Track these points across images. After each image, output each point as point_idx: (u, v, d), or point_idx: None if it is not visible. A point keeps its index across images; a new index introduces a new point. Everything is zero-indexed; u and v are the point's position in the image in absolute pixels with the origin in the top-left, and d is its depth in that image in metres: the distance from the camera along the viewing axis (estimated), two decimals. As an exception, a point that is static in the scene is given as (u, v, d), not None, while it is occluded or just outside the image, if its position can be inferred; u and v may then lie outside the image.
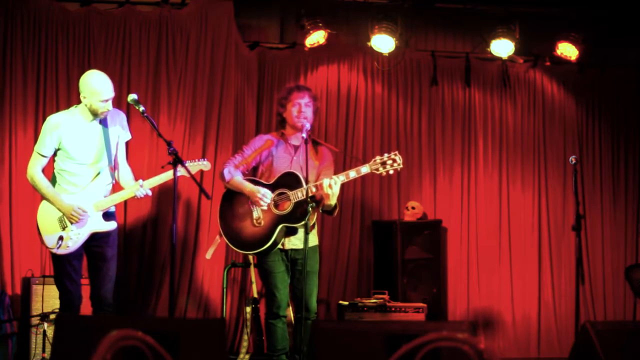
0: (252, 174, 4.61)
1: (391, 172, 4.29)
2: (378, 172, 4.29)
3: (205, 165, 4.60)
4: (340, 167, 6.33)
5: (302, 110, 4.47)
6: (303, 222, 4.24)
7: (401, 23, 6.38)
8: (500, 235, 6.86)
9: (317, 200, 4.43)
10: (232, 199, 4.52)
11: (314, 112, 4.55)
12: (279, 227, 4.36)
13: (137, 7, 6.01)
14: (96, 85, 4.28)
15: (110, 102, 4.32)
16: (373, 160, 4.31)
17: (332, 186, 4.21)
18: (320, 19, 6.33)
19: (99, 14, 5.92)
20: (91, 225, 4.33)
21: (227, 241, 4.53)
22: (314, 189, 4.28)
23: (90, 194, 4.34)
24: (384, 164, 4.28)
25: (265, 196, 4.36)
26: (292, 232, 4.42)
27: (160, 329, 3.07)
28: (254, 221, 4.42)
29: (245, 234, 4.45)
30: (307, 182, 4.27)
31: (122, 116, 4.56)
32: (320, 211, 4.49)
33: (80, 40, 5.84)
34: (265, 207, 4.37)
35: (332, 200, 4.29)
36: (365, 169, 4.29)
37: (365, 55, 6.72)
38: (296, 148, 4.55)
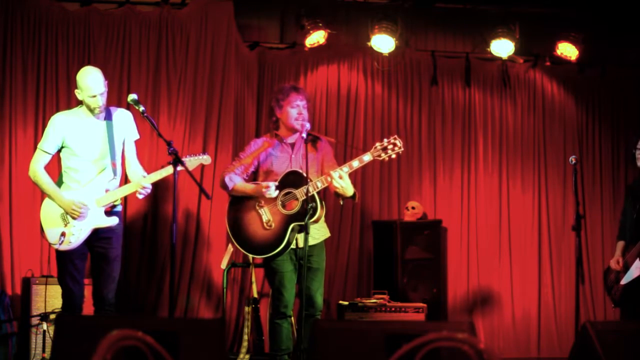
0: (253, 179, 4.60)
1: (393, 156, 4.26)
2: (380, 158, 4.27)
3: (205, 159, 4.59)
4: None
5: (301, 113, 4.45)
6: (314, 218, 4.24)
7: (401, 23, 6.39)
8: (500, 235, 6.86)
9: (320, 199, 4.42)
10: (239, 205, 4.49)
11: (308, 112, 4.54)
12: (291, 226, 4.33)
13: (137, 7, 6.01)
14: (86, 81, 4.31)
15: (99, 98, 4.31)
16: (374, 147, 4.28)
17: (342, 177, 4.20)
18: (320, 19, 6.33)
19: (99, 14, 5.92)
20: (93, 220, 4.33)
21: (239, 248, 4.50)
22: (319, 184, 4.26)
23: (92, 190, 4.34)
24: (384, 149, 4.26)
25: (269, 187, 4.30)
26: (300, 231, 4.38)
27: (160, 329, 3.07)
28: (264, 224, 4.39)
29: (257, 239, 4.41)
30: (308, 180, 4.25)
31: (129, 115, 4.57)
32: (341, 203, 4.49)
33: (80, 40, 5.84)
34: (272, 194, 4.30)
35: (349, 192, 4.30)
36: (367, 157, 4.27)
37: (365, 55, 6.73)
38: (293, 146, 4.53)
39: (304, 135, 4.30)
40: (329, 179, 4.24)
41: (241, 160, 4.55)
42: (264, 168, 4.52)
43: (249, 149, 4.60)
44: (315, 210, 4.24)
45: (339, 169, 4.26)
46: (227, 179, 4.49)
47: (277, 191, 4.35)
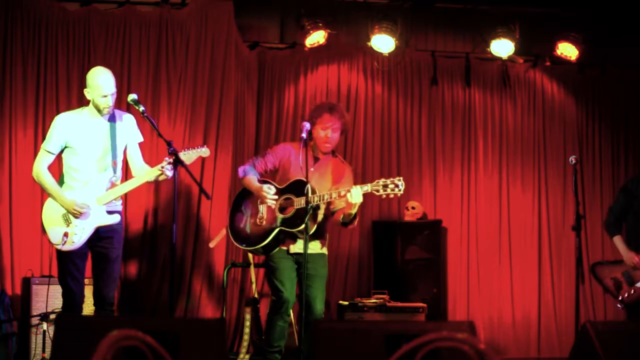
0: (272, 178, 4.65)
1: (391, 196, 4.26)
2: (378, 194, 4.25)
3: (204, 151, 4.58)
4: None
5: (328, 136, 4.50)
6: (301, 228, 4.25)
7: (401, 23, 6.39)
8: (500, 235, 6.86)
9: (316, 210, 4.40)
10: (245, 195, 4.63)
11: (340, 133, 4.57)
12: (277, 229, 4.40)
13: (137, 7, 6.01)
14: (97, 80, 4.33)
15: (110, 98, 4.35)
16: (376, 181, 4.28)
17: (357, 194, 4.20)
18: (320, 19, 6.33)
19: (99, 14, 5.92)
20: (95, 219, 4.33)
21: (229, 232, 4.63)
22: (316, 199, 4.27)
23: (93, 189, 4.35)
24: (385, 186, 4.24)
25: (269, 191, 4.39)
26: (292, 237, 4.43)
27: (160, 329, 3.07)
28: (257, 220, 4.49)
29: (246, 230, 4.55)
30: (307, 181, 4.26)
31: (133, 119, 4.60)
32: (340, 223, 4.48)
33: (80, 40, 5.84)
34: (271, 203, 4.40)
35: (354, 209, 4.29)
36: (366, 188, 4.26)
37: (365, 55, 6.73)
38: (316, 160, 4.56)
39: (304, 135, 4.33)
40: (342, 192, 4.23)
41: (264, 157, 4.66)
42: (283, 171, 4.58)
43: (275, 148, 4.72)
44: (303, 222, 4.24)
45: (358, 186, 4.25)
46: (240, 170, 4.65)
47: (275, 197, 4.42)
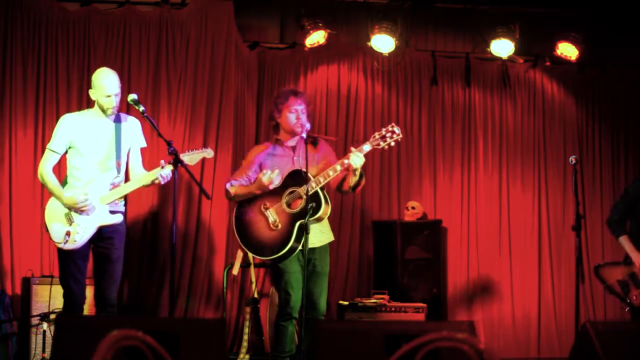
0: None
1: (392, 144, 4.22)
2: (380, 147, 4.23)
3: (208, 152, 4.56)
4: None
5: (299, 117, 4.43)
6: (319, 214, 4.22)
7: (401, 23, 6.39)
8: (500, 235, 6.86)
9: (323, 190, 4.37)
10: (244, 210, 4.45)
11: (308, 116, 4.51)
12: (296, 225, 4.28)
13: (137, 7, 6.01)
14: (101, 81, 4.36)
15: (114, 98, 4.37)
16: (372, 137, 4.25)
17: (358, 157, 4.16)
18: (320, 19, 6.34)
19: (99, 14, 5.92)
20: (98, 218, 4.34)
21: (248, 252, 4.49)
22: (321, 180, 4.23)
23: (97, 188, 4.35)
24: (383, 137, 4.22)
25: (266, 174, 4.27)
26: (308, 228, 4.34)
27: (160, 329, 3.07)
28: (271, 225, 4.34)
29: (265, 240, 4.36)
30: (308, 180, 4.24)
31: (138, 124, 4.61)
32: (350, 189, 4.39)
33: (80, 40, 5.85)
34: (276, 183, 4.29)
35: (358, 172, 4.25)
36: (367, 147, 4.22)
37: (365, 55, 6.73)
38: (294, 149, 4.52)
39: (304, 135, 4.30)
40: (346, 161, 4.19)
41: (242, 168, 4.56)
42: None
43: (249, 156, 4.61)
44: (317, 208, 4.22)
45: (357, 150, 4.20)
46: (228, 186, 4.49)
47: (279, 177, 4.32)
